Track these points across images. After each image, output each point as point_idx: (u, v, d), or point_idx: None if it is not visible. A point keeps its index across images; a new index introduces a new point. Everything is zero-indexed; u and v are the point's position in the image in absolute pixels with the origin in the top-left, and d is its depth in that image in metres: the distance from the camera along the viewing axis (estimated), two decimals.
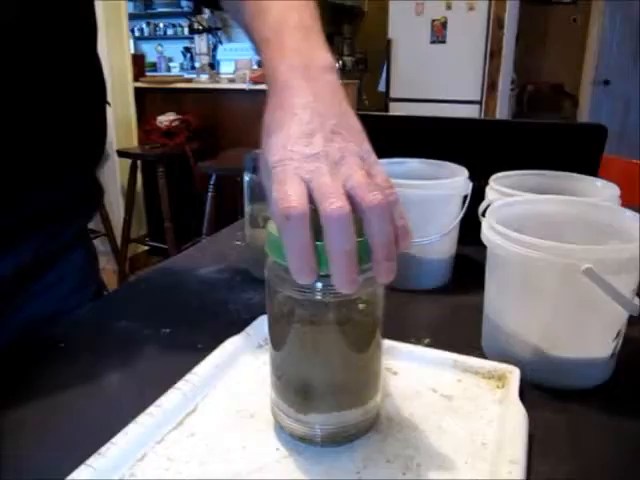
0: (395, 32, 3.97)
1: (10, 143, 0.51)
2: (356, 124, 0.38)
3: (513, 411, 0.39)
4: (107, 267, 2.75)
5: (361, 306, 0.37)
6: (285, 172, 0.34)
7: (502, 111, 3.89)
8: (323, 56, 0.41)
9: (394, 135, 0.72)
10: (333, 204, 0.32)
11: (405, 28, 3.92)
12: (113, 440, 0.37)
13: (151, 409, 0.40)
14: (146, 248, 3.13)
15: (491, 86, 3.77)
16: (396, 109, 4.06)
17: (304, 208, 0.32)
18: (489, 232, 0.45)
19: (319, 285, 0.34)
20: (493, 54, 3.71)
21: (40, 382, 0.47)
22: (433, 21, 3.79)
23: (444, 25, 3.77)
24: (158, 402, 0.41)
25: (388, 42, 4.01)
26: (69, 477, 0.34)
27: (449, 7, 3.72)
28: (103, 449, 0.36)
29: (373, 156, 0.37)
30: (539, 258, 0.41)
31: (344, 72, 4.87)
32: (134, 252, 3.04)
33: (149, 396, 0.41)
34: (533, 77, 4.72)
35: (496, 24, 3.67)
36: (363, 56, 5.02)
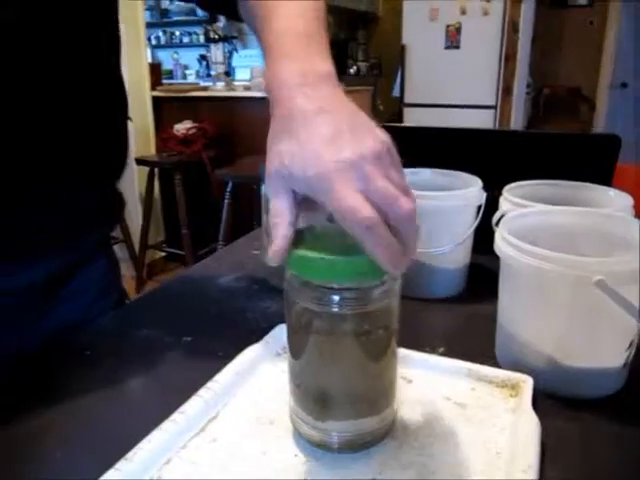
0: (409, 37, 3.99)
1: (31, 155, 0.53)
2: (367, 121, 0.39)
3: (526, 419, 0.40)
4: (126, 273, 2.79)
5: (377, 317, 0.38)
6: (339, 186, 0.34)
7: (517, 116, 3.88)
8: (322, 64, 0.42)
9: (408, 146, 0.74)
10: (402, 205, 0.34)
11: (419, 33, 3.93)
12: (139, 445, 0.38)
13: (175, 416, 0.41)
14: (163, 254, 3.17)
15: (506, 91, 3.76)
16: (410, 114, 4.07)
17: (376, 216, 0.33)
18: (502, 243, 0.46)
19: (336, 298, 0.35)
20: (508, 58, 3.70)
21: (66, 388, 0.48)
22: (447, 26, 3.80)
23: (458, 30, 3.77)
24: (181, 409, 0.42)
25: (402, 47, 4.02)
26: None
27: (464, 12, 3.72)
28: (130, 454, 0.37)
29: (395, 157, 0.38)
30: (551, 270, 0.42)
31: (358, 77, 4.88)
32: (151, 258, 3.08)
33: (172, 403, 0.43)
34: (550, 80, 4.69)
35: (511, 28, 3.66)
36: (377, 61, 5.04)
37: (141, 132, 2.89)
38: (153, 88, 3.04)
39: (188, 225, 2.76)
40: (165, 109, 3.10)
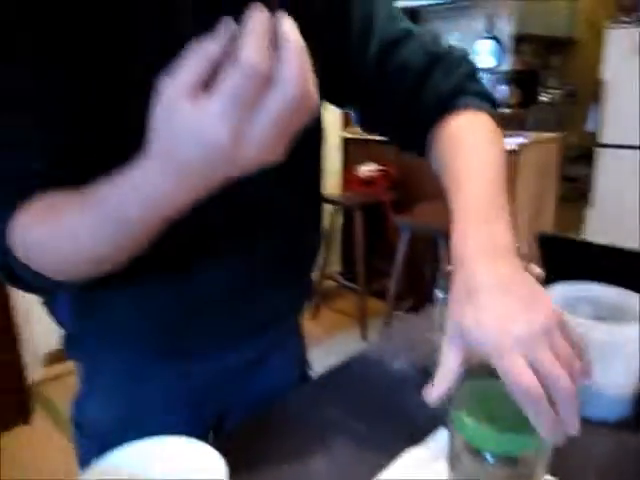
0: (611, 69, 3.70)
1: (241, 269, 0.63)
2: (542, 294, 0.44)
3: None
4: None
5: (529, 465, 0.43)
6: (509, 358, 0.41)
7: None
8: (503, 237, 0.47)
9: (583, 260, 0.75)
10: (562, 386, 0.39)
11: (623, 66, 3.62)
12: None
13: None
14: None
15: None
16: (605, 156, 3.76)
17: (539, 390, 0.39)
18: None
19: (491, 459, 0.42)
20: None
21: (256, 457, 0.60)
22: None
23: None
24: None
25: (602, 79, 3.74)
26: None
27: None
28: None
29: (564, 327, 0.43)
30: None
31: (551, 106, 4.61)
32: (327, 286, 3.29)
33: None
34: None
35: None
36: (573, 88, 4.74)
37: (330, 171, 3.13)
38: (343, 128, 3.27)
39: (364, 261, 2.90)
40: (351, 148, 3.31)
